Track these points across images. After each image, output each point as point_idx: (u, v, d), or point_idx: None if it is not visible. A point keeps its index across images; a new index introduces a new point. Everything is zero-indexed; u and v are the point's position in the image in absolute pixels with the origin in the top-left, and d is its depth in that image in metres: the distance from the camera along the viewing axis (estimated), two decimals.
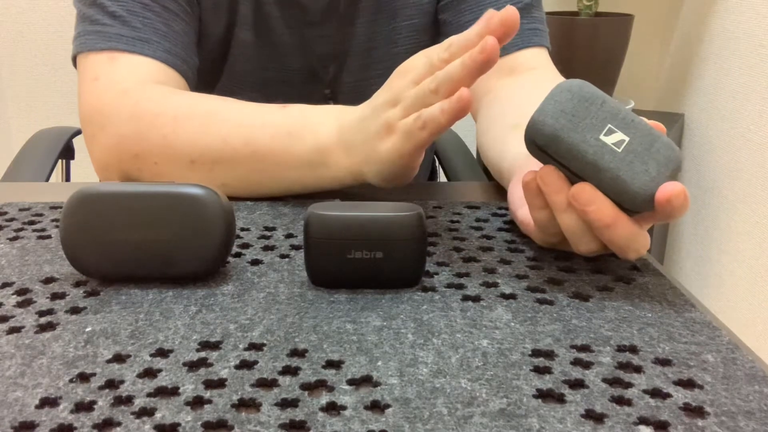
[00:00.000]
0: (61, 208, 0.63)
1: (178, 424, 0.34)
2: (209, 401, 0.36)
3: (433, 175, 1.16)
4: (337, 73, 0.85)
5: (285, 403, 0.35)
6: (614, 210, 0.46)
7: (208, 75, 0.83)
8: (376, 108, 0.57)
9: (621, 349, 0.41)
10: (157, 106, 0.65)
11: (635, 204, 0.46)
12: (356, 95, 0.86)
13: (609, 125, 0.46)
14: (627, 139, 0.46)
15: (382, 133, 0.56)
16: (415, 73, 0.55)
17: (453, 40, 0.54)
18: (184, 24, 0.74)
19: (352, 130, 0.59)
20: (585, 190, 0.46)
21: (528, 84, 0.74)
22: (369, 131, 0.57)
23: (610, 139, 0.46)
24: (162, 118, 0.63)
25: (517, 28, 0.51)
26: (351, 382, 0.37)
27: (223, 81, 0.85)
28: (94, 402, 0.35)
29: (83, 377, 0.38)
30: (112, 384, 0.37)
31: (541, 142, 0.47)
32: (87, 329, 0.43)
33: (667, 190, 0.44)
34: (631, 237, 0.46)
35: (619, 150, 0.46)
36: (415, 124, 0.53)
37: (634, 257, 0.48)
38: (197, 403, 0.35)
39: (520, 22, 0.81)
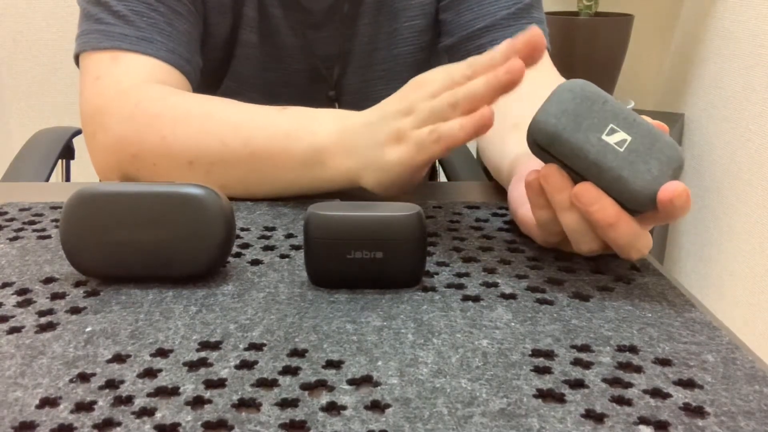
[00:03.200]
0: (61, 208, 0.63)
1: (179, 424, 0.34)
2: (209, 401, 0.36)
3: (433, 175, 1.16)
4: (340, 75, 0.85)
5: (285, 403, 0.35)
6: (617, 210, 0.46)
7: (211, 76, 0.83)
8: (386, 115, 0.56)
9: (621, 349, 0.41)
10: (157, 106, 0.64)
11: (637, 203, 0.46)
12: (360, 96, 0.86)
13: (611, 125, 0.46)
14: (629, 138, 0.46)
15: (390, 141, 0.55)
16: (434, 87, 0.54)
17: (476, 59, 0.53)
18: (189, 24, 0.74)
19: (356, 134, 0.58)
20: (588, 190, 0.46)
21: (528, 84, 0.74)
22: (376, 137, 0.56)
23: (612, 139, 0.46)
24: (161, 119, 0.63)
25: (542, 49, 0.51)
26: (351, 382, 0.37)
27: (226, 82, 0.85)
28: (94, 402, 0.35)
29: (83, 377, 0.38)
30: (112, 384, 0.37)
31: (543, 142, 0.47)
32: (87, 329, 0.43)
33: (669, 189, 0.44)
34: (634, 237, 0.46)
35: (621, 149, 0.46)
36: (429, 137, 0.53)
37: (636, 257, 0.48)
38: (197, 403, 0.35)
39: (519, 23, 0.81)
